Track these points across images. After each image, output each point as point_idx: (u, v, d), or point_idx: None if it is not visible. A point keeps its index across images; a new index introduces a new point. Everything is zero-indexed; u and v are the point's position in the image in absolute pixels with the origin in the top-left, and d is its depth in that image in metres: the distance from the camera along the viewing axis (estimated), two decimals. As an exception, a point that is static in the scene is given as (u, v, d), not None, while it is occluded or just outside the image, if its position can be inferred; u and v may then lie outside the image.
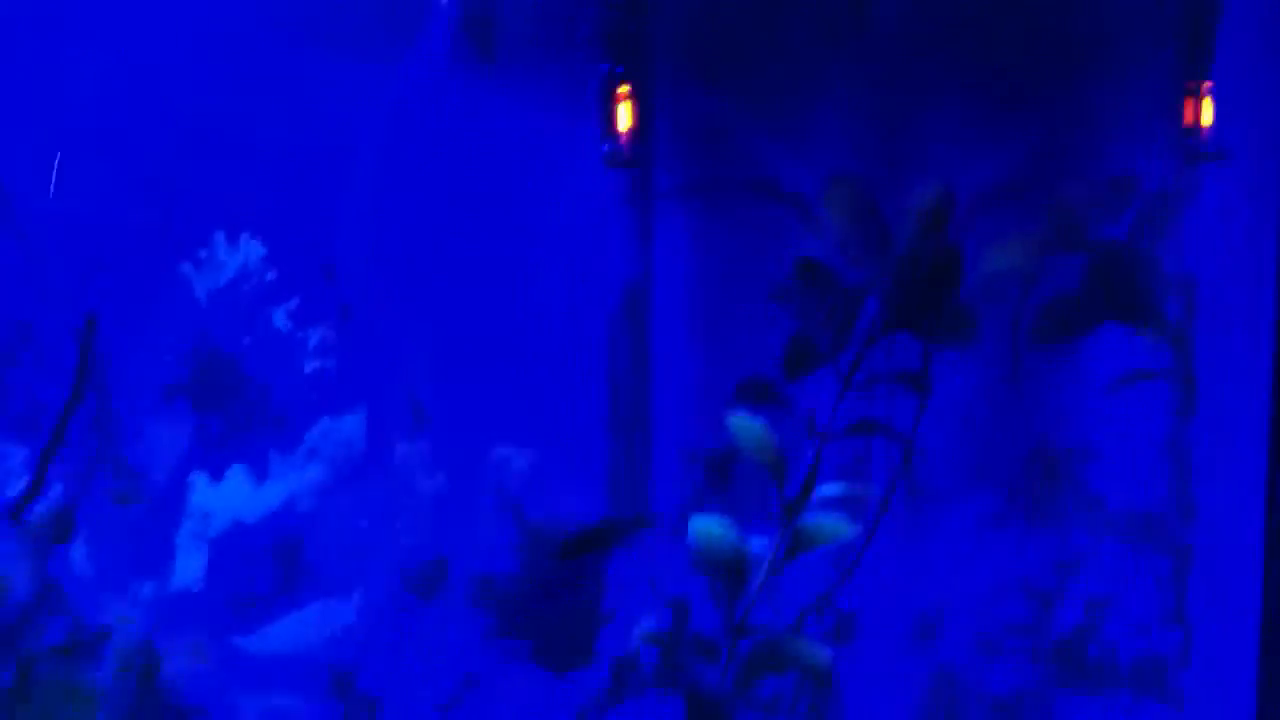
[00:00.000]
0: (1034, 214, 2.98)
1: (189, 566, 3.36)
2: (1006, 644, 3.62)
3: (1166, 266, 2.78)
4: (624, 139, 3.85)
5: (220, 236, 3.59)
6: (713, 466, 3.63)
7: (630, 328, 3.90)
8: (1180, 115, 3.58)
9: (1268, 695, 2.34)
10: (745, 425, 2.56)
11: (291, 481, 3.27)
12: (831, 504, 2.57)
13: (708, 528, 2.44)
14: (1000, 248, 2.86)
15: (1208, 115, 3.57)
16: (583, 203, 3.84)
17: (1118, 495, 3.50)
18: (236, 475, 3.22)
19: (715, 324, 3.72)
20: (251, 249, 3.55)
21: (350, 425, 3.36)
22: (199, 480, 3.35)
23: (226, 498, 3.19)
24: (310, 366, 3.81)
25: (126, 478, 3.17)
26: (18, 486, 2.28)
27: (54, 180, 3.42)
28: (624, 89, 3.83)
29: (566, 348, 3.95)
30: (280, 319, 3.78)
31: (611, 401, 3.93)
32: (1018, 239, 2.90)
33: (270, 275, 3.60)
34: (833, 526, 2.44)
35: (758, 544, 2.63)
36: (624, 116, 3.83)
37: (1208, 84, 3.47)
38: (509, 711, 3.63)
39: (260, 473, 3.23)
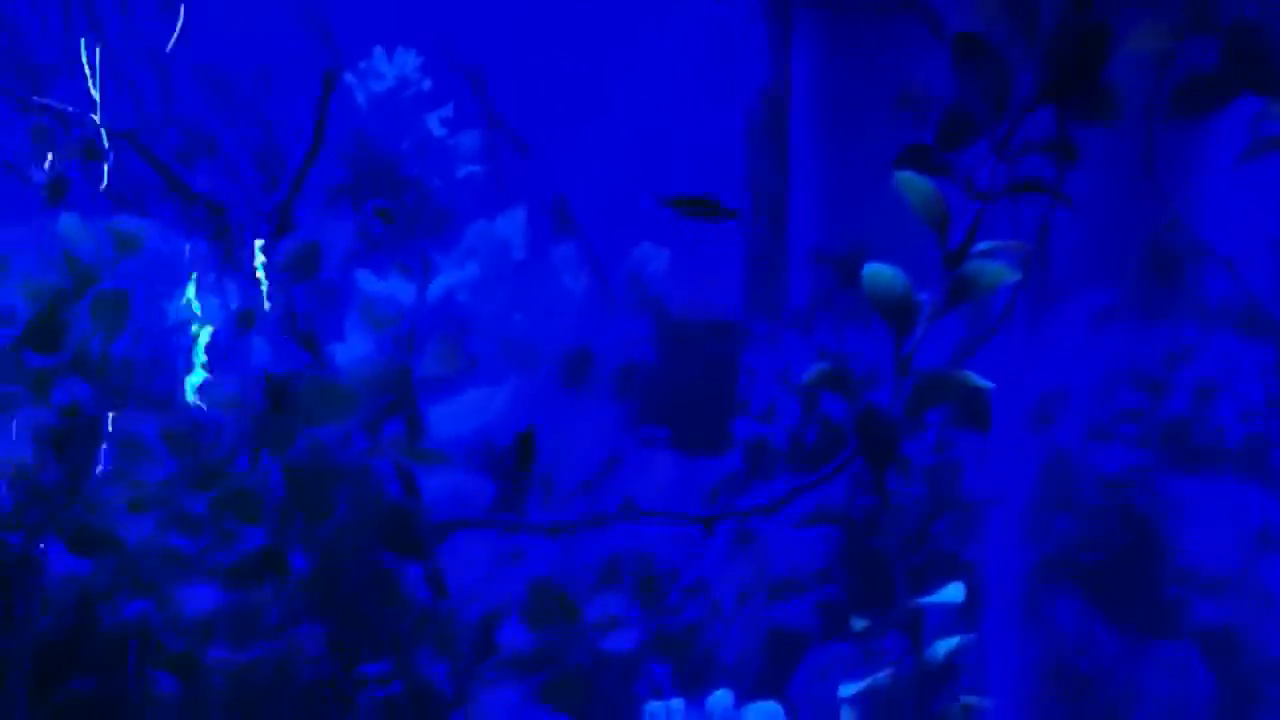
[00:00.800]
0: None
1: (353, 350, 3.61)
2: (1119, 429, 3.86)
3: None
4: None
5: (379, 49, 3.80)
6: (843, 267, 3.84)
7: (768, 133, 4.11)
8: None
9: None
10: (911, 182, 2.76)
11: (450, 277, 3.49)
12: (991, 256, 2.78)
13: (879, 272, 2.65)
14: (1140, 31, 3.04)
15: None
16: (726, 15, 4.02)
17: (1227, 289, 3.69)
18: (398, 271, 3.45)
19: (848, 126, 3.91)
20: (408, 59, 3.75)
21: (503, 227, 3.57)
22: (363, 275, 3.59)
23: (391, 291, 3.42)
24: (463, 171, 4.03)
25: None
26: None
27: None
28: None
29: (707, 151, 4.16)
30: (434, 125, 4.00)
31: (750, 204, 4.15)
32: (1156, 22, 3.07)
33: (426, 84, 3.81)
34: (995, 271, 2.64)
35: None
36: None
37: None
38: (646, 489, 3.90)
39: (420, 269, 3.46)
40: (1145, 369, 3.88)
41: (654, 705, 3.17)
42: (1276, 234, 3.44)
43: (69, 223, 2.31)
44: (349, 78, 3.91)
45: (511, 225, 3.60)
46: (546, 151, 4.06)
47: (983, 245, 2.75)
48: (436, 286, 3.52)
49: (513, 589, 2.90)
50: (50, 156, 2.37)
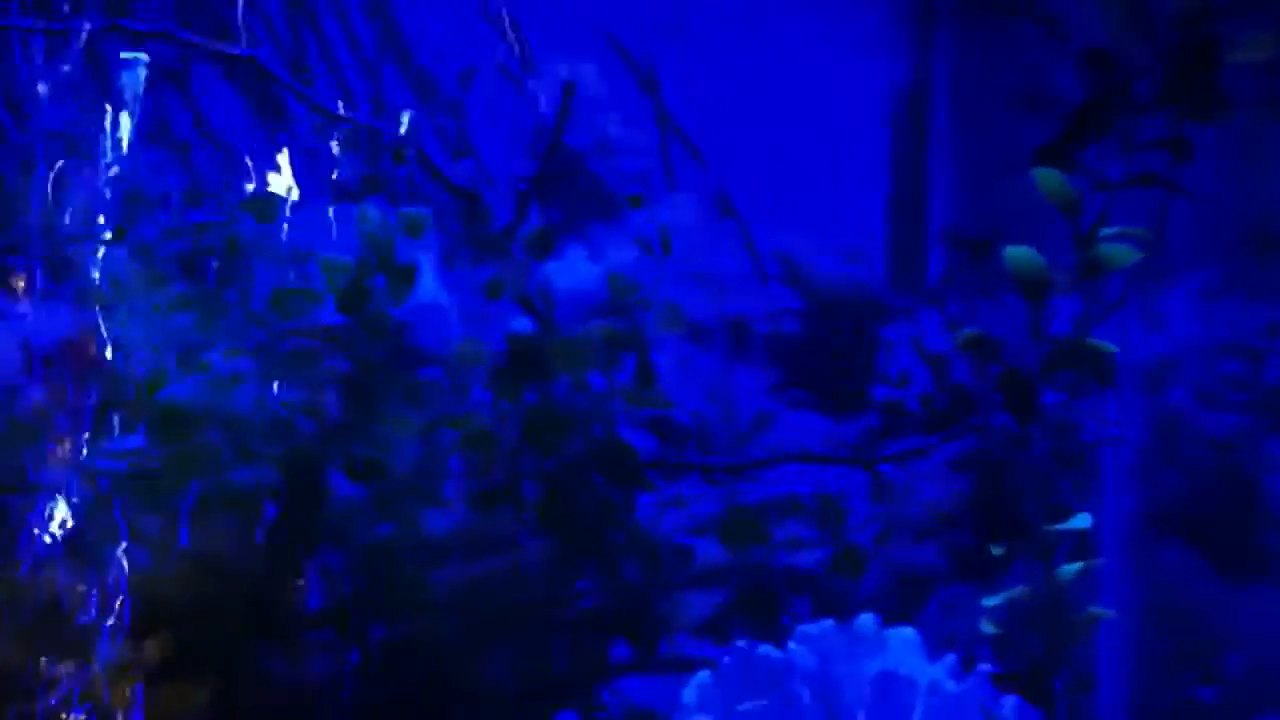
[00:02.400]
0: None
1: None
2: (1224, 395, 4.26)
3: None
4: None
5: (565, 62, 4.29)
6: (974, 249, 4.28)
7: (909, 127, 4.57)
8: None
9: None
10: (1047, 176, 3.20)
11: (617, 255, 3.97)
12: (1117, 240, 3.21)
13: (1020, 252, 3.10)
14: (1250, 39, 3.44)
15: None
16: (868, 22, 4.49)
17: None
18: (573, 251, 3.92)
19: (979, 121, 4.35)
20: (587, 69, 4.24)
21: (674, 213, 4.06)
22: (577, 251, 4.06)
23: (567, 268, 3.91)
24: (636, 165, 4.53)
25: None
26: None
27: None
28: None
29: (852, 145, 4.64)
30: (612, 125, 4.50)
31: (891, 190, 4.62)
32: (1264, 34, 3.47)
33: (603, 88, 4.30)
34: (1121, 253, 3.08)
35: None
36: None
37: None
38: (792, 444, 4.38)
39: (594, 251, 3.96)
40: (1248, 340, 4.28)
41: (806, 626, 3.65)
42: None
43: (371, 211, 2.84)
44: (532, 83, 4.43)
45: (681, 212, 4.09)
46: (711, 148, 4.57)
47: (1109, 230, 3.19)
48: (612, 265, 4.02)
49: (711, 513, 3.40)
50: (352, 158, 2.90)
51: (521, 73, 4.08)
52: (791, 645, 3.62)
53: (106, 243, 2.98)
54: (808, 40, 4.55)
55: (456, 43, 4.23)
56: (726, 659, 3.68)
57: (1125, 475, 4.17)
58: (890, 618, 3.84)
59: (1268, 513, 4.16)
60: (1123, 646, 4.09)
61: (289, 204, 2.81)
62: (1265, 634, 4.16)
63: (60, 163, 3.94)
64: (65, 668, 3.67)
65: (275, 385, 2.87)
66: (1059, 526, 2.89)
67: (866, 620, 3.78)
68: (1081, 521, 2.89)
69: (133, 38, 2.90)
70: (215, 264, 2.77)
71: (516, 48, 3.95)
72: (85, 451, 3.09)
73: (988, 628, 3.09)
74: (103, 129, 3.82)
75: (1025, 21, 4.12)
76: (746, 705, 3.59)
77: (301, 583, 3.11)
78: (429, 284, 3.01)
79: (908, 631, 3.78)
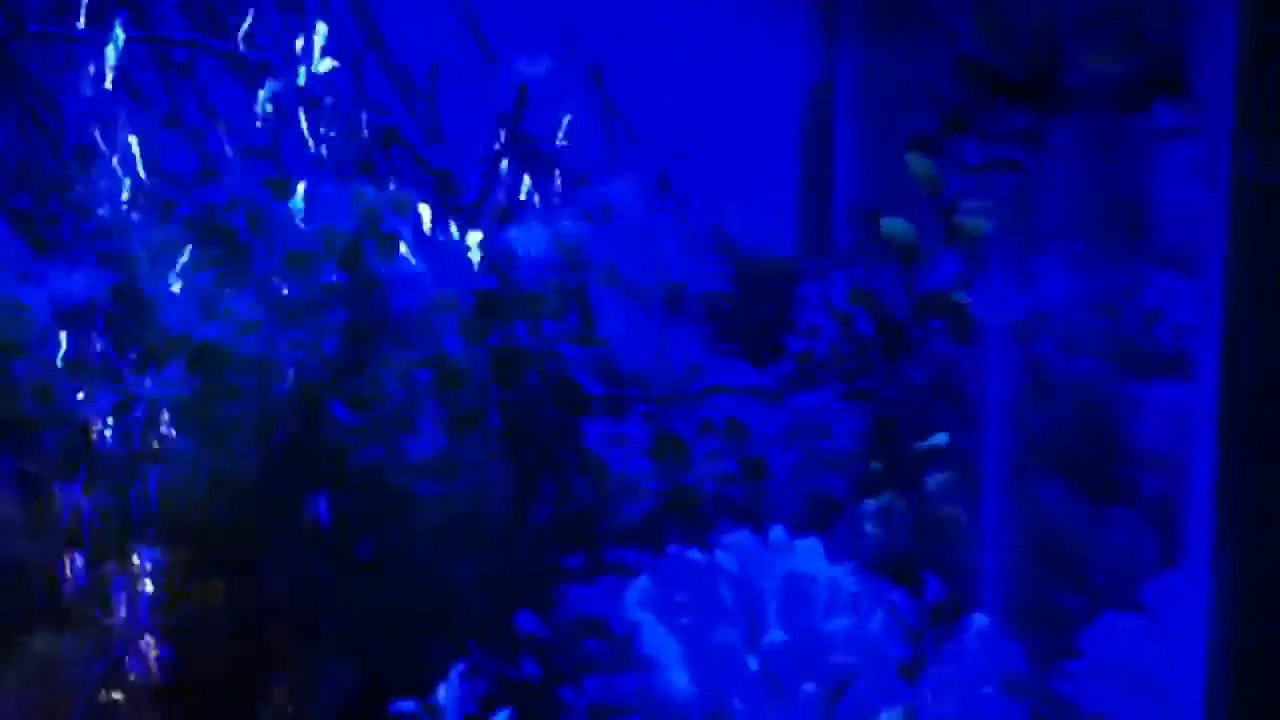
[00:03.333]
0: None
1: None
2: (1085, 344, 4.91)
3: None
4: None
5: (522, 58, 4.89)
6: (871, 221, 4.91)
7: (816, 116, 5.21)
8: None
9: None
10: (916, 160, 3.83)
11: (566, 225, 4.56)
12: (972, 213, 3.85)
13: (893, 223, 3.73)
14: (1096, 50, 4.09)
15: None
16: (789, 28, 5.13)
17: (1167, 238, 4.73)
18: (530, 220, 4.53)
19: (876, 114, 4.98)
20: (541, 62, 4.83)
21: (616, 189, 4.68)
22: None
23: (523, 235, 4.51)
24: (583, 149, 5.14)
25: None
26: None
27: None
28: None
29: (772, 130, 5.27)
30: (564, 111, 5.09)
31: (802, 169, 5.27)
32: (1104, 46, 4.11)
33: (557, 80, 4.89)
34: (975, 223, 3.71)
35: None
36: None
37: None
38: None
39: (550, 221, 4.56)
40: (1106, 299, 4.93)
41: (728, 536, 4.30)
42: (1187, 196, 4.47)
43: (366, 190, 3.44)
44: (494, 76, 5.01)
45: (623, 189, 4.70)
46: (651, 134, 5.19)
47: (966, 204, 3.84)
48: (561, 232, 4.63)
49: (644, 440, 4.03)
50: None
51: (485, 67, 4.67)
52: (716, 553, 4.29)
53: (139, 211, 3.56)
54: (734, 44, 5.18)
55: (428, 40, 4.82)
56: (661, 565, 4.35)
57: (1002, 413, 4.83)
58: (804, 532, 4.50)
59: (1123, 445, 4.83)
60: (1002, 559, 4.76)
61: (299, 184, 3.40)
62: (1120, 548, 4.83)
63: (89, 144, 4.53)
64: (102, 568, 4.29)
65: (285, 330, 3.48)
66: (921, 444, 3.53)
67: (778, 531, 4.45)
68: (939, 439, 3.52)
69: (165, 44, 3.46)
70: (241, 232, 3.36)
71: (480, 46, 4.54)
72: (124, 383, 3.69)
73: (869, 528, 3.74)
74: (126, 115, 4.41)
75: (922, 31, 4.76)
76: (678, 599, 4.26)
77: (305, 497, 3.73)
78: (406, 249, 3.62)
79: (812, 541, 4.46)
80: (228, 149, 3.88)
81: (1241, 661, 2.97)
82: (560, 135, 4.74)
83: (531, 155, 4.96)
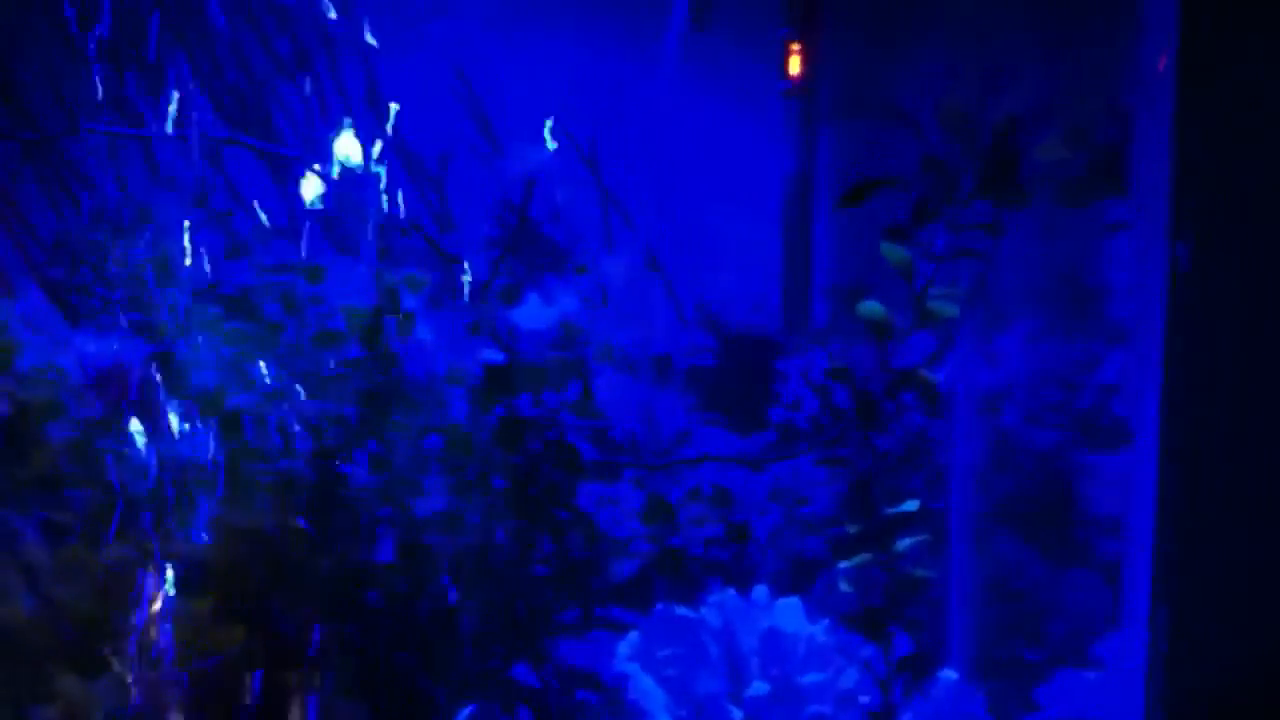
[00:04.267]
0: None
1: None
2: (1046, 417, 5.23)
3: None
4: (795, 80, 5.52)
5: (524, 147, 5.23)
6: (849, 300, 5.23)
7: (797, 203, 5.57)
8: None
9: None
10: (891, 249, 4.14)
11: (567, 303, 4.88)
12: (942, 298, 4.16)
13: (869, 305, 4.04)
14: (1045, 146, 4.43)
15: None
16: (767, 122, 5.50)
17: (1122, 314, 5.08)
18: (532, 299, 4.83)
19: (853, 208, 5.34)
20: (545, 151, 5.17)
21: (607, 267, 4.99)
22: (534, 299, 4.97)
23: (526, 312, 4.81)
24: (581, 231, 5.47)
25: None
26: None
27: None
28: (796, 45, 5.51)
29: (754, 217, 5.62)
30: (562, 196, 5.43)
31: (784, 253, 5.61)
32: (1053, 142, 4.46)
33: (555, 165, 5.23)
34: (945, 308, 4.01)
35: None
36: (795, 64, 5.51)
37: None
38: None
39: (546, 297, 4.86)
40: (1065, 374, 5.26)
41: (714, 595, 4.58)
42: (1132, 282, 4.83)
43: (384, 272, 3.75)
44: (498, 163, 5.36)
45: (614, 268, 5.01)
46: (642, 216, 5.53)
47: (936, 290, 4.15)
48: (555, 309, 4.94)
49: (635, 503, 4.32)
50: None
51: (489, 156, 5.01)
52: (702, 610, 4.57)
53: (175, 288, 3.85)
54: (719, 132, 5.54)
55: (437, 133, 5.17)
56: (651, 619, 4.61)
57: (968, 480, 5.14)
58: (785, 592, 4.78)
59: (1081, 510, 5.14)
60: (966, 616, 5.04)
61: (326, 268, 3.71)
62: (1079, 607, 5.12)
63: (123, 223, 4.84)
64: (128, 616, 4.53)
65: (307, 398, 3.77)
66: (893, 510, 3.82)
67: (760, 591, 4.73)
68: (910, 505, 3.81)
69: (215, 143, 3.80)
70: (276, 308, 3.66)
71: (486, 137, 4.88)
72: (155, 443, 3.96)
73: (844, 586, 4.01)
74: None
75: (895, 126, 5.12)
76: (665, 652, 4.52)
77: (321, 551, 3.99)
78: (421, 326, 3.92)
79: (793, 600, 4.73)
80: (257, 228, 4.20)
81: (1176, 710, 3.27)
82: (559, 219, 5.09)
83: (534, 238, 5.29)
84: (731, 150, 5.58)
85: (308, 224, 4.21)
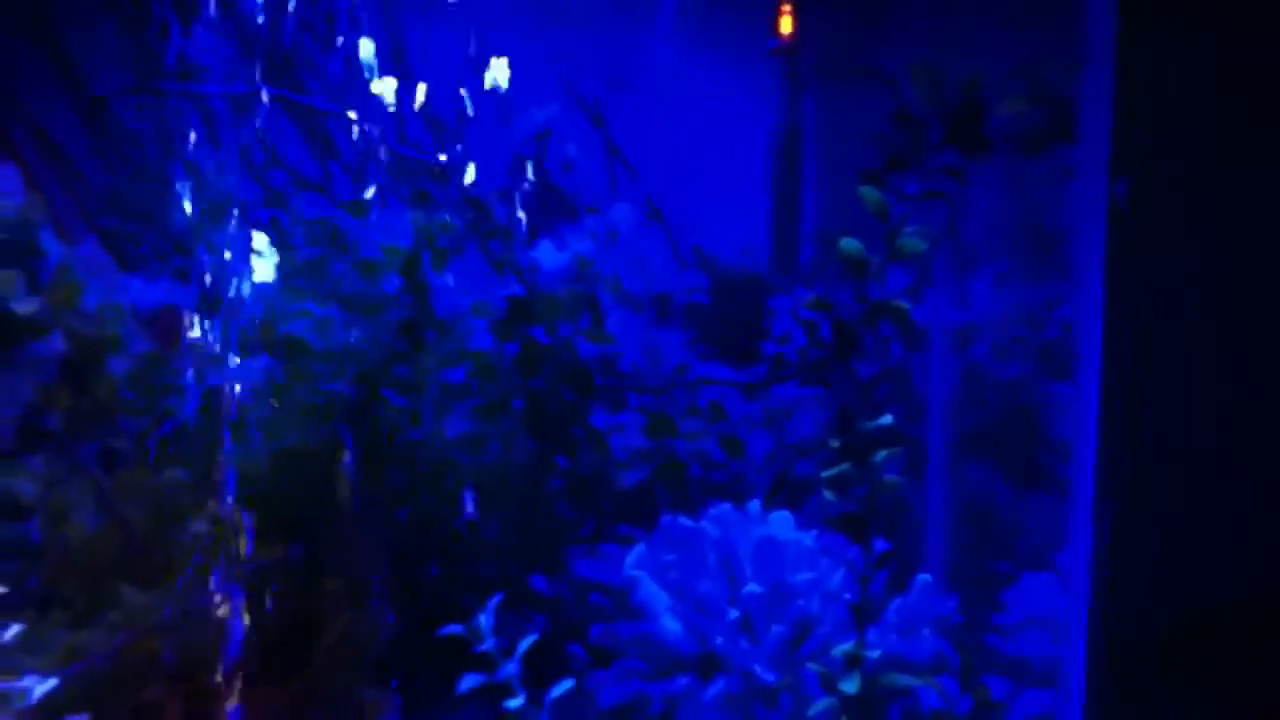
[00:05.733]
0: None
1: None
2: (1013, 350, 5.70)
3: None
4: (784, 40, 5.98)
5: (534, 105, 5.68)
6: (832, 242, 5.68)
7: (786, 156, 6.03)
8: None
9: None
10: (867, 192, 4.59)
11: (579, 244, 5.31)
12: (912, 235, 4.61)
13: (848, 243, 4.49)
14: (1011, 99, 4.88)
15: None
16: (759, 78, 5.95)
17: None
18: (546, 241, 5.25)
19: (835, 152, 5.80)
20: (551, 107, 5.62)
21: (614, 215, 5.45)
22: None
23: (541, 254, 5.24)
24: (588, 181, 5.92)
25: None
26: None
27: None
28: (786, 6, 5.98)
29: (746, 168, 6.09)
30: (571, 150, 5.88)
31: (773, 201, 6.07)
32: (1017, 98, 4.91)
33: (563, 122, 5.67)
34: (913, 243, 4.47)
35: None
36: (786, 24, 5.97)
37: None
38: (707, 390, 5.81)
39: (562, 242, 5.29)
40: (1030, 310, 5.74)
41: (712, 508, 5.05)
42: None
43: (419, 216, 4.19)
44: (517, 121, 5.79)
45: (621, 216, 5.47)
46: (644, 167, 5.99)
47: (908, 229, 4.61)
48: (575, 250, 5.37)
49: (638, 421, 4.78)
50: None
51: (504, 112, 5.43)
52: (702, 521, 5.04)
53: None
54: (715, 91, 5.99)
55: (456, 87, 5.60)
56: (655, 531, 5.09)
57: (943, 409, 5.61)
58: (777, 506, 5.25)
59: (1043, 437, 5.62)
60: (941, 532, 5.53)
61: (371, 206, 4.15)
62: (1041, 526, 5.62)
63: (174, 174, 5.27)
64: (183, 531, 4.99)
65: (352, 328, 4.22)
66: (870, 424, 4.28)
67: (754, 504, 5.20)
68: (885, 419, 4.27)
69: (257, 99, 4.23)
70: (324, 242, 4.10)
71: (498, 96, 5.30)
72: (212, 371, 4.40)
73: (827, 494, 4.49)
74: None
75: (874, 83, 5.57)
76: (669, 558, 5.00)
77: (363, 466, 4.45)
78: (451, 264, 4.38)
79: (783, 513, 5.21)
80: (295, 178, 4.63)
81: (1114, 607, 3.75)
82: (569, 170, 5.53)
83: (546, 188, 5.74)
84: (727, 106, 6.03)
85: (338, 171, 4.65)
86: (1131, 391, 3.75)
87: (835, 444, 4.51)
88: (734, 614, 4.78)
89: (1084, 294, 3.91)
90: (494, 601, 3.99)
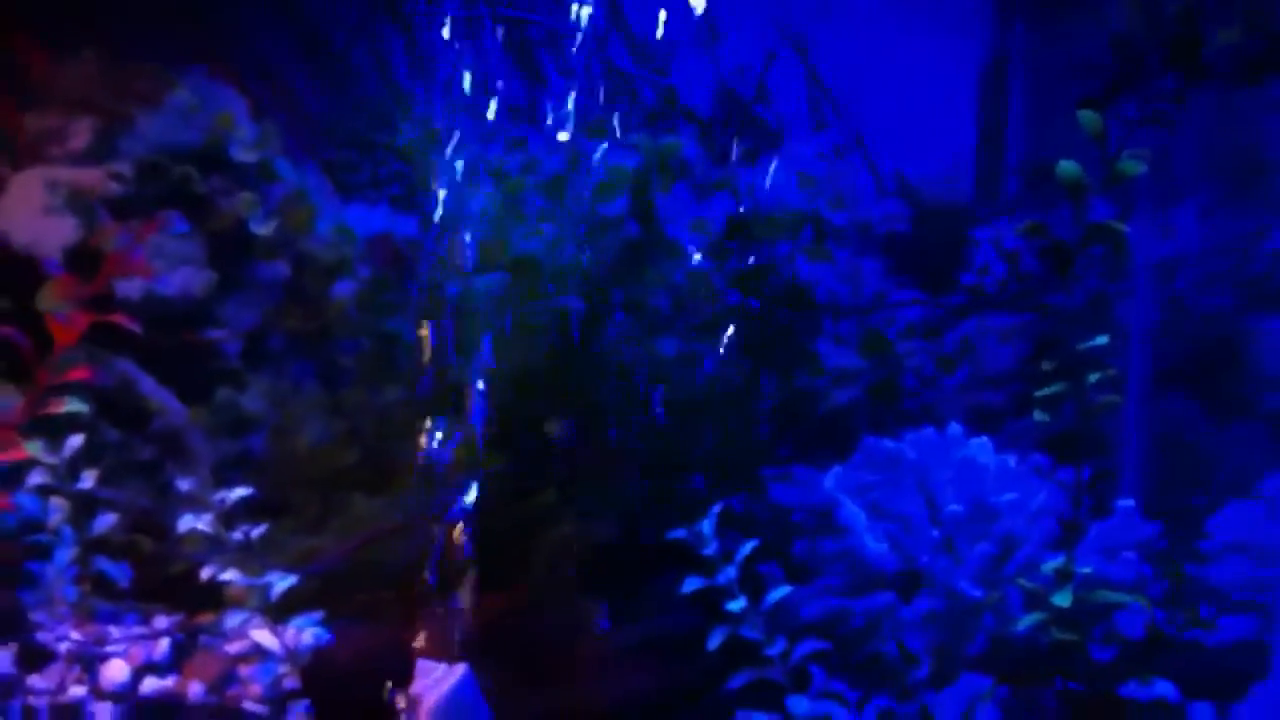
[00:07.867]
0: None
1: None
2: (1217, 283, 5.69)
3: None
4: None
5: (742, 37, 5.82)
6: (1037, 174, 5.74)
7: (991, 86, 6.08)
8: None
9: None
10: (1087, 116, 4.63)
11: (808, 167, 5.39)
12: (1131, 158, 4.65)
13: (1067, 165, 4.55)
14: (1225, 30, 4.86)
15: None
16: (967, 11, 6.00)
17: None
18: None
19: (1042, 85, 5.83)
20: (759, 41, 5.76)
21: (818, 143, 5.57)
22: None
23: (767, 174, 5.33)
24: (792, 110, 6.08)
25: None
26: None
27: None
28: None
29: (951, 100, 6.15)
30: (776, 80, 6.02)
31: (979, 133, 6.13)
32: (1231, 26, 4.88)
33: (766, 51, 5.80)
34: (1133, 165, 4.50)
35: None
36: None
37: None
38: (903, 316, 5.91)
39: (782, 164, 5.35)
40: (1235, 243, 5.70)
41: (912, 432, 5.14)
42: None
43: (643, 139, 4.37)
44: (718, 53, 5.92)
45: (823, 146, 5.59)
46: (847, 98, 6.09)
47: (1126, 152, 4.63)
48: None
49: (852, 339, 4.92)
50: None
51: (712, 46, 5.57)
52: (901, 445, 5.15)
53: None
54: (918, 22, 6.04)
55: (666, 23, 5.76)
56: (856, 453, 5.21)
57: (1145, 340, 5.63)
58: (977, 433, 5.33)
59: (1245, 369, 5.60)
60: (1141, 463, 5.55)
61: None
62: (1240, 458, 5.60)
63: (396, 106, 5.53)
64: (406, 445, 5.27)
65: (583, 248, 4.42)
66: (1083, 345, 4.33)
67: (955, 427, 5.29)
68: (1100, 340, 4.32)
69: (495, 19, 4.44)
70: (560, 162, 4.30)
71: (709, 28, 5.44)
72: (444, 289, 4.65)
73: (1039, 415, 4.56)
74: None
75: (1080, 11, 5.58)
76: (868, 478, 5.12)
77: (589, 380, 4.66)
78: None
79: (984, 438, 5.29)
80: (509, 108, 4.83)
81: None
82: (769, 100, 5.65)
83: (751, 117, 5.88)
84: (930, 38, 6.08)
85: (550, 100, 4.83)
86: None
87: (1048, 366, 4.59)
88: (936, 534, 4.89)
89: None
90: (716, 509, 4.16)
